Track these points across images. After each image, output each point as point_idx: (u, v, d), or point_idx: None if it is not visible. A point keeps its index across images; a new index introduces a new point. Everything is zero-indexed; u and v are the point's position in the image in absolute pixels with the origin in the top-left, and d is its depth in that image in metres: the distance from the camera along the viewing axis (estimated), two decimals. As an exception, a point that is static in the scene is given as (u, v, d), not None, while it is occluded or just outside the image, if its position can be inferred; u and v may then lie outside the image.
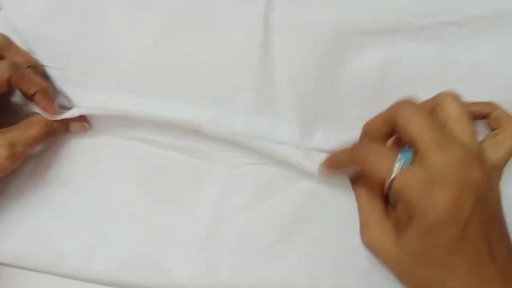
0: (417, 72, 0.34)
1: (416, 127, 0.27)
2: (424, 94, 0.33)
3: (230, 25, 0.35)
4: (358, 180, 0.32)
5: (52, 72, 0.37)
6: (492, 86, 0.34)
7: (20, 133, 0.33)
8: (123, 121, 0.35)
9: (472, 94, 0.31)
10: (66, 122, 0.35)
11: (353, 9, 0.34)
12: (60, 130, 0.35)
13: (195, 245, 0.34)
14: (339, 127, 0.35)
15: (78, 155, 0.36)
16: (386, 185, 0.26)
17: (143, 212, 0.35)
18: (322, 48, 0.34)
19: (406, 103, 0.28)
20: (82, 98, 0.36)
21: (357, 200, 0.32)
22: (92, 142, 0.36)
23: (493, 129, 0.32)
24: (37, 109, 0.35)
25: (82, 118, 0.36)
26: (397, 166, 0.26)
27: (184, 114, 0.34)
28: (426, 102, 0.30)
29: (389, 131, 0.29)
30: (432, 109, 0.29)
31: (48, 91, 0.35)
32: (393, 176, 0.26)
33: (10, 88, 0.33)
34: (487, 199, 0.26)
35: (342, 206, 0.33)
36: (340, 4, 0.34)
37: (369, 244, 0.30)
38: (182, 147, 0.35)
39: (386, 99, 0.34)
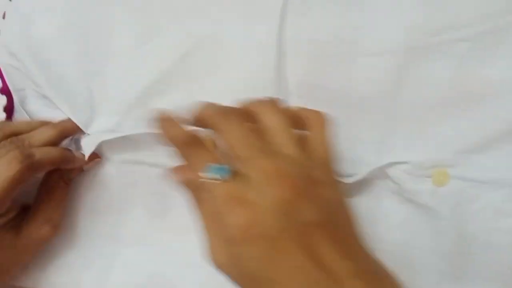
0: (429, 93, 0.34)
1: (233, 140, 0.27)
2: (438, 117, 0.33)
3: (242, 47, 0.35)
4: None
5: (52, 96, 0.37)
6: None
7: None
8: (133, 146, 0.36)
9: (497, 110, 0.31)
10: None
11: (362, 30, 0.34)
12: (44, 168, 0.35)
13: (211, 268, 0.33)
14: (349, 144, 0.35)
15: (90, 181, 0.37)
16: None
17: (157, 236, 0.35)
18: (332, 70, 0.34)
19: (225, 113, 0.29)
20: (90, 124, 0.36)
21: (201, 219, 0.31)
22: (102, 168, 0.36)
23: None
24: None
25: (94, 155, 0.36)
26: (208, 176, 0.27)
27: None
28: (242, 109, 0.30)
29: None
30: (251, 117, 0.29)
31: (68, 158, 0.35)
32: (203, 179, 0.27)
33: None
34: (299, 210, 0.25)
35: None
36: (350, 22, 0.34)
37: (210, 260, 0.29)
38: None
39: (397, 119, 0.34)
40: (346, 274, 0.24)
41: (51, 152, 0.35)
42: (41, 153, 0.33)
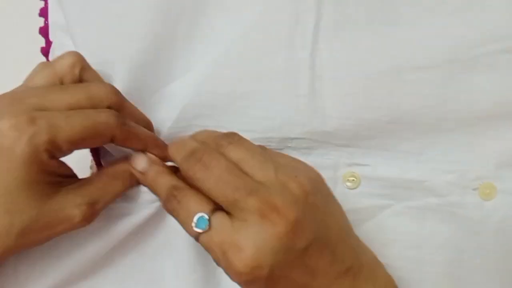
0: (474, 105, 0.33)
1: (213, 188, 0.27)
2: (482, 129, 0.32)
3: (276, 75, 0.34)
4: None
5: None
6: None
7: (102, 187, 0.30)
8: None
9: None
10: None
11: (404, 45, 0.33)
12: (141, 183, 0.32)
13: None
14: (390, 159, 0.34)
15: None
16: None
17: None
18: (372, 87, 0.33)
19: (193, 155, 0.28)
20: None
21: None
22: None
23: None
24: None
25: None
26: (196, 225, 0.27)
27: None
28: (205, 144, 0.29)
29: None
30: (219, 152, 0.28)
31: (157, 141, 0.32)
32: (196, 232, 0.27)
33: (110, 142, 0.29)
34: (296, 239, 0.26)
35: None
36: (391, 42, 0.33)
37: None
38: None
39: (442, 132, 0.34)
40: (335, 276, 0.27)
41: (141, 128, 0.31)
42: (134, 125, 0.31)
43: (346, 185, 0.35)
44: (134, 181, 0.32)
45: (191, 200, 0.28)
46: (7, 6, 0.53)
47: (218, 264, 0.27)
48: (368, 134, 0.34)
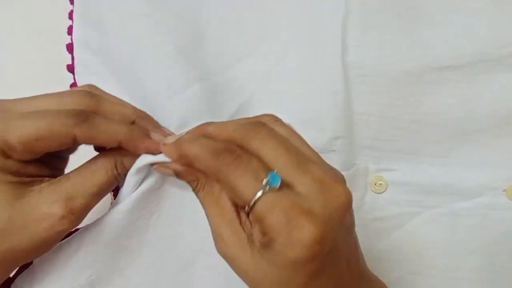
0: (500, 106, 0.33)
1: (269, 151, 0.24)
2: (507, 129, 0.32)
3: (310, 74, 0.34)
4: (203, 187, 0.27)
5: None
6: None
7: (80, 181, 0.27)
8: None
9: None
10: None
11: (430, 45, 0.33)
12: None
13: None
14: (417, 163, 0.34)
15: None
16: (249, 205, 0.23)
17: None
18: (399, 87, 0.33)
19: (261, 126, 0.25)
20: None
21: (206, 211, 0.27)
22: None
23: None
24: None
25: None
26: (261, 190, 0.23)
27: None
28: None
29: None
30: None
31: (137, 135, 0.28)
32: (257, 197, 0.23)
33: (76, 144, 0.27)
34: (349, 214, 0.24)
35: None
36: (417, 41, 0.33)
37: (226, 257, 0.26)
38: None
39: (468, 133, 0.33)
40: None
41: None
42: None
43: (373, 189, 0.34)
44: (122, 172, 0.28)
45: (253, 159, 0.24)
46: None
47: (268, 235, 0.23)
48: (393, 135, 0.33)
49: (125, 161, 0.28)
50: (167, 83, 0.33)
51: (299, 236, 0.22)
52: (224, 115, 0.34)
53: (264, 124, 0.25)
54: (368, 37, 0.33)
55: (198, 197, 0.27)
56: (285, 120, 0.28)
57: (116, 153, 0.28)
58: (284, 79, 0.34)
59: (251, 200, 0.23)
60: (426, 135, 0.33)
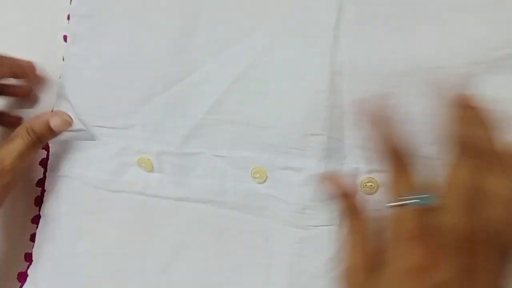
0: (494, 108, 0.32)
1: (456, 184, 0.26)
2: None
3: (296, 70, 0.34)
4: (351, 213, 0.31)
5: (110, 132, 0.37)
6: None
7: (6, 147, 0.35)
8: (183, 182, 0.35)
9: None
10: (48, 126, 0.36)
11: (424, 45, 0.32)
12: (45, 137, 0.36)
13: None
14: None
15: (140, 219, 0.36)
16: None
17: (212, 278, 0.34)
18: (389, 86, 0.33)
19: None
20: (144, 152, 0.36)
21: (349, 235, 0.30)
22: (153, 206, 0.36)
23: None
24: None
25: (62, 113, 0.37)
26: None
27: (254, 163, 0.34)
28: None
29: None
30: None
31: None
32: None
33: None
34: None
35: None
36: (410, 40, 0.33)
37: (349, 284, 0.28)
38: (245, 205, 0.35)
39: None
40: None
41: None
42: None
43: (364, 190, 0.33)
44: (35, 137, 0.35)
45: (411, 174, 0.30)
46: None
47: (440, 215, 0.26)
48: None
49: (34, 127, 0.35)
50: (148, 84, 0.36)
51: (481, 217, 0.25)
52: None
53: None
54: (361, 36, 0.33)
55: (344, 219, 0.31)
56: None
57: (27, 122, 0.36)
58: (269, 72, 0.34)
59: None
60: (419, 136, 0.33)
